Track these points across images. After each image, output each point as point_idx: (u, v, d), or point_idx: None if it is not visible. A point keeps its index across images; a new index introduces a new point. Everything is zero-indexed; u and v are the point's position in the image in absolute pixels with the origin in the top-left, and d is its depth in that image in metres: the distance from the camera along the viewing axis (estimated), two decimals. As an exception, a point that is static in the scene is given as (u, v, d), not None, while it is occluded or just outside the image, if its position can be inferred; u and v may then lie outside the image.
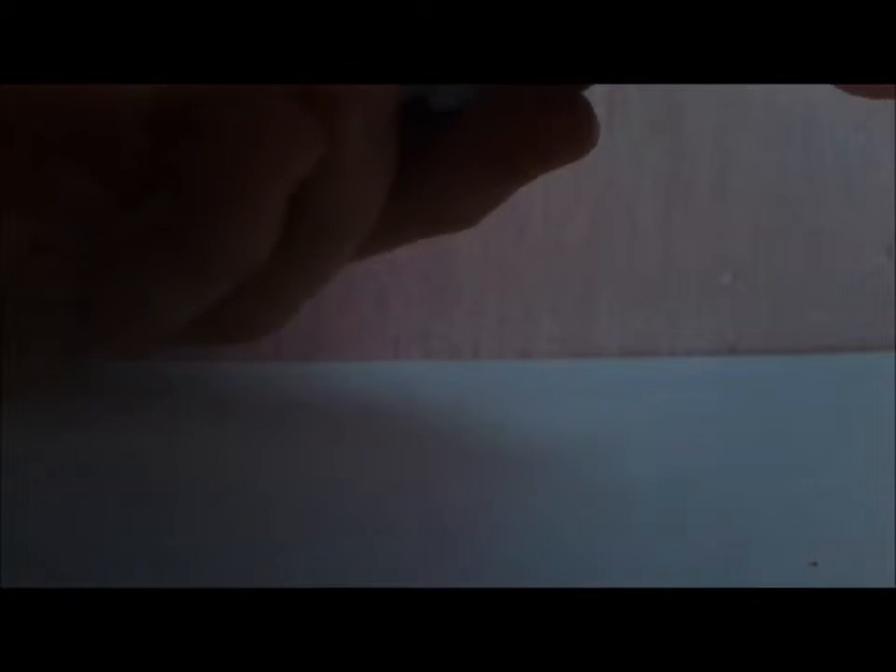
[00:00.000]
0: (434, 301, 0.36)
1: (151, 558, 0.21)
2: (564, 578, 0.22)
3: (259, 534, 0.23)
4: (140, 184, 0.17)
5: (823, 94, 0.39)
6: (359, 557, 0.22)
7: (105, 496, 0.24)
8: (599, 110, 0.21)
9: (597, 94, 0.21)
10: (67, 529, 0.22)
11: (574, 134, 0.20)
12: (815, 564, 0.23)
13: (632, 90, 0.37)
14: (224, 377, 0.32)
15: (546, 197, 0.37)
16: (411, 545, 0.23)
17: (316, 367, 0.34)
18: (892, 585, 0.21)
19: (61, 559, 0.21)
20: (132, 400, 0.29)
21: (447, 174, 0.21)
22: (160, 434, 0.27)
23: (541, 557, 0.23)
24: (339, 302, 0.35)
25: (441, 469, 0.27)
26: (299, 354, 0.34)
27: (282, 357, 0.34)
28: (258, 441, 0.28)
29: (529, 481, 0.27)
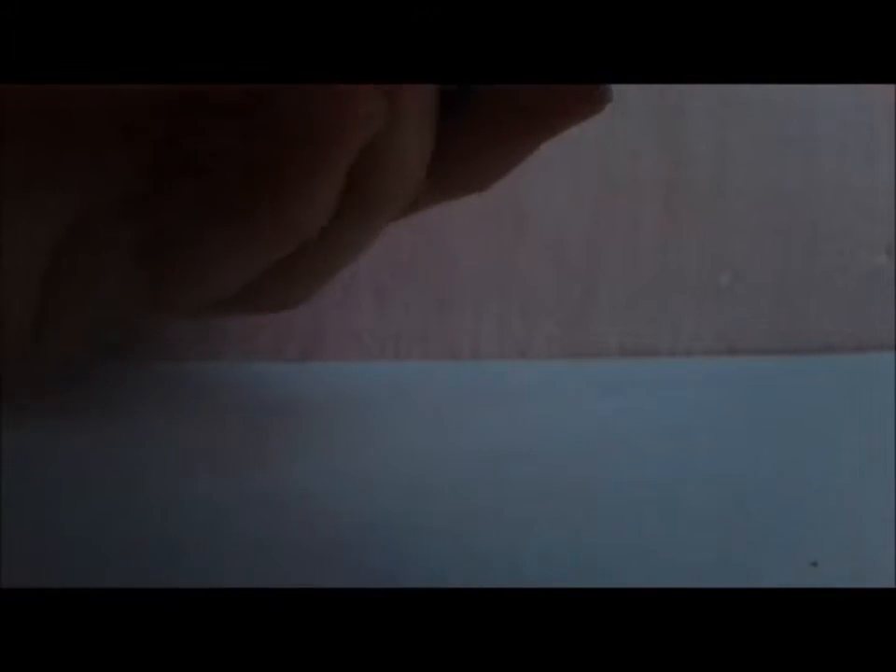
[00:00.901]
0: (434, 301, 0.36)
1: (150, 558, 0.21)
2: (564, 578, 0.22)
3: (257, 534, 0.23)
4: (169, 170, 0.18)
5: (823, 94, 0.39)
6: (358, 557, 0.22)
7: (105, 495, 0.24)
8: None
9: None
10: (67, 529, 0.22)
11: (590, 90, 0.21)
12: (815, 564, 0.23)
13: (632, 90, 0.37)
14: (224, 377, 0.32)
15: (546, 197, 0.37)
16: (410, 545, 0.23)
17: (316, 367, 0.34)
18: (892, 585, 0.21)
19: (61, 559, 0.21)
20: (131, 400, 0.29)
21: (469, 136, 0.21)
22: (160, 434, 0.27)
23: (541, 557, 0.23)
24: (339, 302, 0.35)
25: (440, 469, 0.27)
26: (299, 354, 0.34)
27: (282, 356, 0.34)
28: (257, 441, 0.28)
29: (529, 481, 0.27)
